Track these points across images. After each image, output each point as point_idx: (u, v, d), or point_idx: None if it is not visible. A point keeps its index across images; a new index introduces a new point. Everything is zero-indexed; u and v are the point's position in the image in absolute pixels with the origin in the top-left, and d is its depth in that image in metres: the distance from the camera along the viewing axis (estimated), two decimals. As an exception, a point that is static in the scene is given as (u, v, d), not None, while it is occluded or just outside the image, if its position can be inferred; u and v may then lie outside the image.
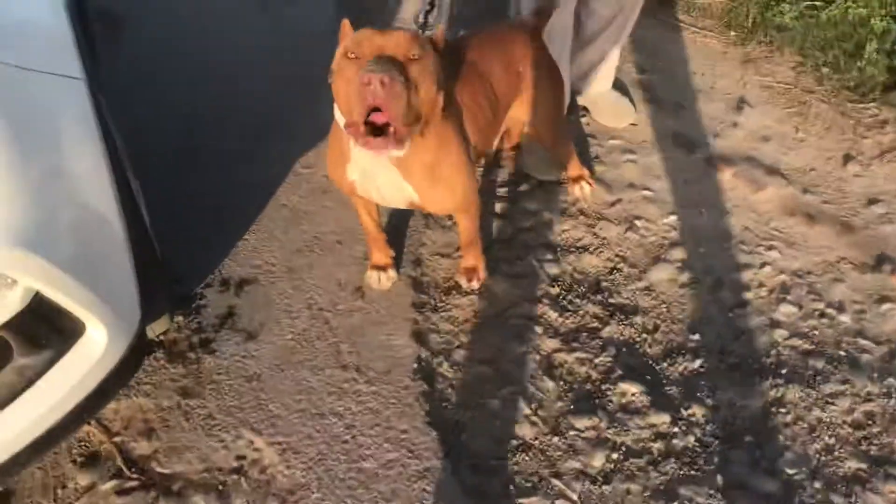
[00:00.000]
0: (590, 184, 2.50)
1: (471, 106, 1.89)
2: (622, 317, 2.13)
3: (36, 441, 1.41)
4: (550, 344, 2.06)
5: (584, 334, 2.09)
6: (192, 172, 2.55)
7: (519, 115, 2.18)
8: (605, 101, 2.79)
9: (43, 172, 1.29)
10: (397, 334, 2.08)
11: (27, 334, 1.36)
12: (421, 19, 1.89)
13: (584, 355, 2.03)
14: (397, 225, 2.37)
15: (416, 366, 2.00)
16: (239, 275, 2.24)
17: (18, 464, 1.45)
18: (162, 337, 2.06)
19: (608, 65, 2.74)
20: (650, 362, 2.02)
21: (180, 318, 2.12)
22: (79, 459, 1.82)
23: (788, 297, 2.17)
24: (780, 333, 2.08)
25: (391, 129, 1.52)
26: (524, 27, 2.19)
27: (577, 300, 2.17)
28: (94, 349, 1.45)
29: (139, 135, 2.67)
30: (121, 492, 1.75)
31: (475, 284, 2.20)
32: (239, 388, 1.95)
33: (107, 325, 1.45)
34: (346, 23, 1.66)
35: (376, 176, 1.79)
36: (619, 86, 2.84)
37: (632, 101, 2.81)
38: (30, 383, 1.39)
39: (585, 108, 2.82)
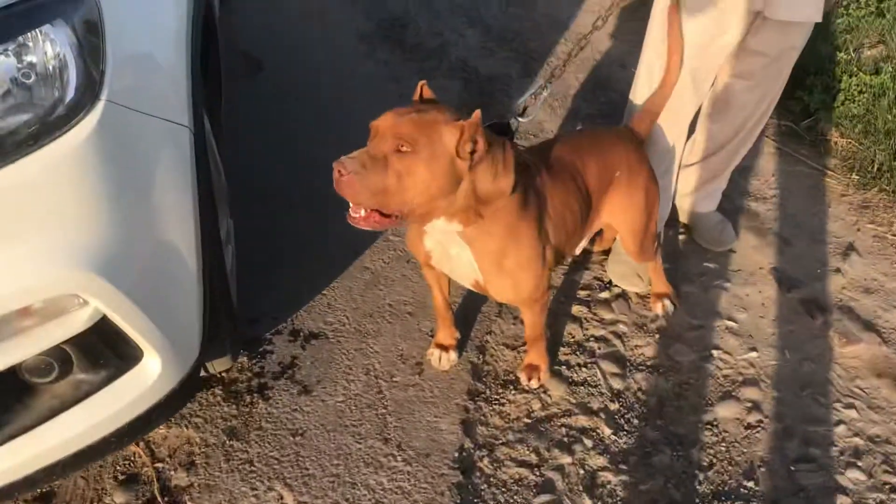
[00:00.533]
0: (674, 303, 2.45)
1: (559, 205, 1.90)
2: (678, 447, 2.05)
3: (77, 453, 1.48)
4: (598, 461, 2.01)
5: (635, 457, 2.02)
6: (287, 217, 2.66)
7: (609, 220, 2.18)
8: (707, 223, 2.74)
9: (129, 206, 1.38)
10: (445, 418, 2.07)
11: (89, 352, 1.44)
12: (519, 108, 1.92)
13: (629, 479, 1.97)
14: (469, 308, 2.39)
15: (456, 454, 1.99)
16: (309, 327, 2.30)
17: (58, 471, 1.52)
18: (224, 374, 2.13)
19: (716, 186, 2.70)
20: (697, 500, 1.94)
21: (244, 359, 2.19)
22: (120, 477, 1.89)
23: (859, 463, 2.04)
24: (842, 500, 1.95)
25: (361, 212, 1.57)
26: (629, 134, 2.20)
27: (636, 420, 2.12)
28: (147, 377, 1.51)
29: (248, 174, 2.83)
30: (148, 518, 1.81)
31: (534, 383, 2.18)
32: (282, 440, 1.99)
33: (162, 357, 1.51)
34: (421, 84, 1.71)
35: (449, 248, 1.81)
36: (724, 209, 2.78)
37: (735, 226, 2.75)
38: (82, 398, 1.46)
39: (685, 226, 2.78)
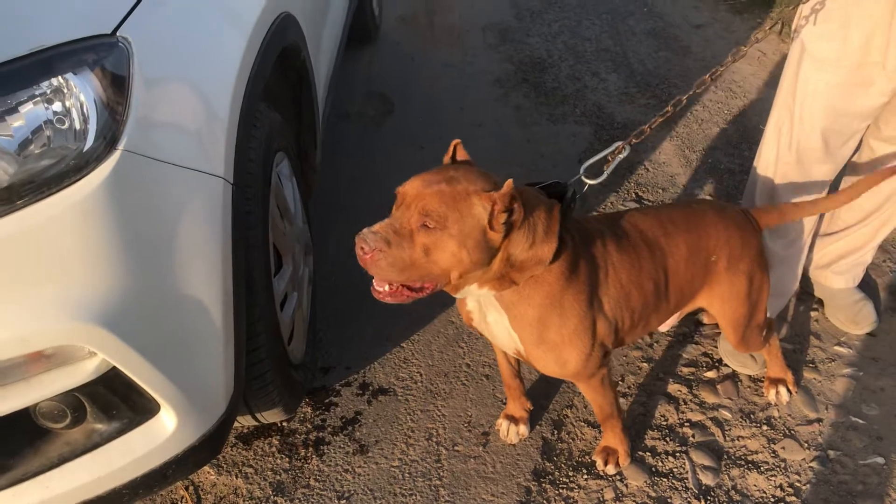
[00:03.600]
0: (791, 390, 2.15)
1: (624, 280, 1.69)
2: (769, 564, 1.77)
3: (86, 503, 1.46)
4: (668, 568, 1.76)
5: (713, 571, 1.76)
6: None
7: (706, 307, 1.93)
8: (843, 300, 2.40)
9: (143, 258, 1.35)
10: (503, 498, 1.90)
11: (101, 402, 1.42)
12: (590, 170, 1.72)
13: None
14: (549, 378, 2.21)
15: (506, 541, 1.82)
16: (380, 382, 2.21)
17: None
18: (285, 423, 2.09)
19: (859, 260, 2.36)
20: None
21: (308, 410, 2.13)
22: (164, 519, 1.88)
23: None
24: None
25: (385, 287, 1.49)
26: (738, 218, 1.88)
27: (722, 526, 1.85)
28: (161, 432, 1.48)
29: (348, 213, 2.81)
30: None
31: (611, 469, 1.96)
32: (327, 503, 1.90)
33: (178, 412, 1.47)
34: (454, 144, 1.57)
35: (487, 313, 1.66)
36: (865, 286, 2.43)
37: (877, 307, 2.39)
38: (94, 447, 1.44)
39: (819, 301, 2.45)
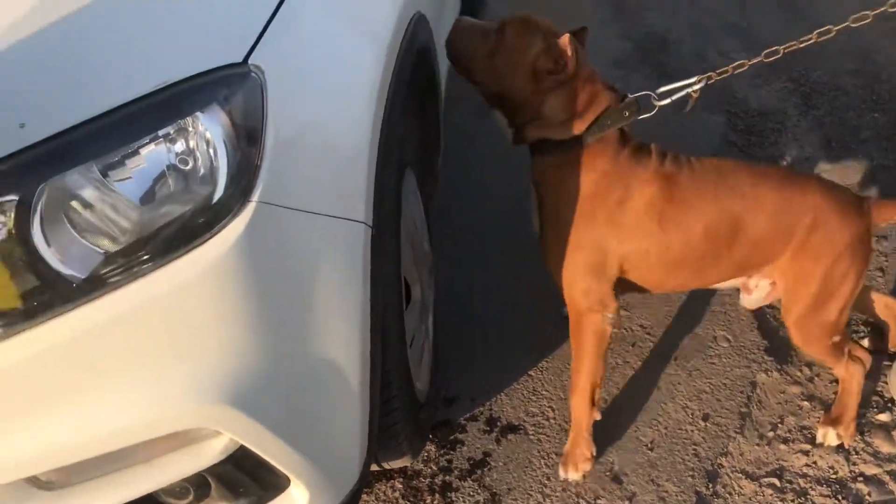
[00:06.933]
0: (844, 438, 1.89)
1: (664, 220, 1.65)
2: None
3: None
4: None
5: None
6: (502, 281, 2.37)
7: (776, 279, 1.78)
8: None
9: (277, 325, 1.17)
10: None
11: (227, 480, 1.26)
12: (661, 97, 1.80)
13: None
14: (700, 419, 1.97)
15: None
16: (508, 417, 2.01)
17: None
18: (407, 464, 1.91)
19: None
20: None
21: (433, 447, 1.94)
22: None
23: None
24: None
25: None
26: (852, 200, 1.74)
27: None
28: (292, 509, 1.31)
29: (463, 223, 2.59)
30: None
31: (563, 473, 1.83)
32: (458, 560, 1.72)
33: (310, 486, 1.30)
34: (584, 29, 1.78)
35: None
36: None
37: None
38: (219, 526, 1.28)
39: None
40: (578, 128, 1.66)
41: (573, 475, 1.81)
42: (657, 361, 2.12)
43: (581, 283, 1.69)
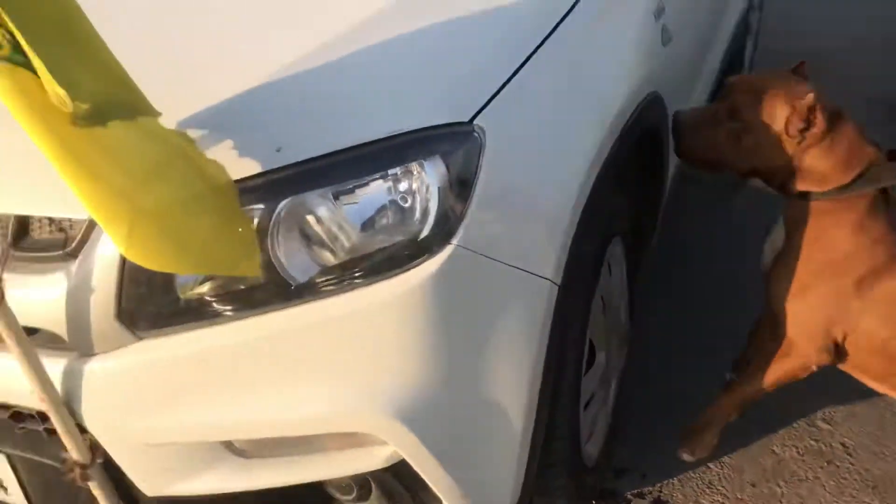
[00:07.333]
0: None
1: None
2: None
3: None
4: None
5: None
6: (699, 363, 2.33)
7: None
8: None
9: (452, 356, 1.28)
10: None
11: (386, 488, 1.39)
12: None
13: None
14: None
15: None
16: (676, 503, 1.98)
17: None
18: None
19: None
20: None
21: (597, 521, 1.96)
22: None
23: None
24: None
25: None
26: None
27: None
28: (439, 533, 1.41)
29: (680, 296, 2.58)
30: None
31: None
32: None
33: (459, 514, 1.39)
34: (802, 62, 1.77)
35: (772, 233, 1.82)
36: None
37: None
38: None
39: None
40: (843, 179, 1.64)
41: (688, 457, 1.91)
42: (852, 487, 1.98)
43: (808, 327, 1.69)
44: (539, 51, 1.44)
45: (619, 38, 1.70)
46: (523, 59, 1.41)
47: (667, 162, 2.03)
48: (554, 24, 1.51)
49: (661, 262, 2.71)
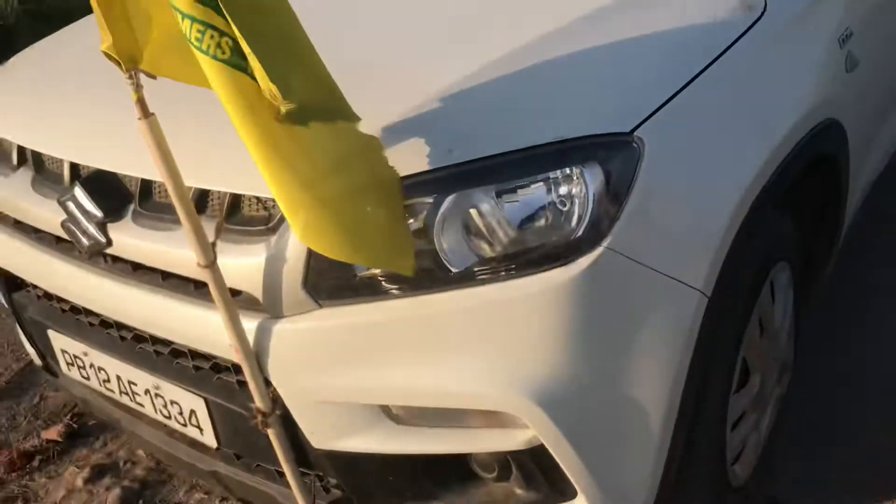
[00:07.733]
0: None
1: None
2: None
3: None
4: None
5: None
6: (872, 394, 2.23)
7: None
8: None
9: (593, 353, 1.35)
10: None
11: (525, 470, 1.48)
12: None
13: None
14: None
15: None
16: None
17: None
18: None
19: None
20: None
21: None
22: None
23: None
24: None
25: None
26: None
27: None
28: (571, 518, 1.48)
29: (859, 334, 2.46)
30: None
31: None
32: None
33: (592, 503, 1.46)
34: None
35: None
36: None
37: None
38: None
39: None
40: None
41: None
42: None
43: None
44: (707, 70, 1.50)
45: (795, 63, 1.71)
46: (690, 77, 1.47)
47: (845, 192, 1.98)
48: (725, 46, 1.56)
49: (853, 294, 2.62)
